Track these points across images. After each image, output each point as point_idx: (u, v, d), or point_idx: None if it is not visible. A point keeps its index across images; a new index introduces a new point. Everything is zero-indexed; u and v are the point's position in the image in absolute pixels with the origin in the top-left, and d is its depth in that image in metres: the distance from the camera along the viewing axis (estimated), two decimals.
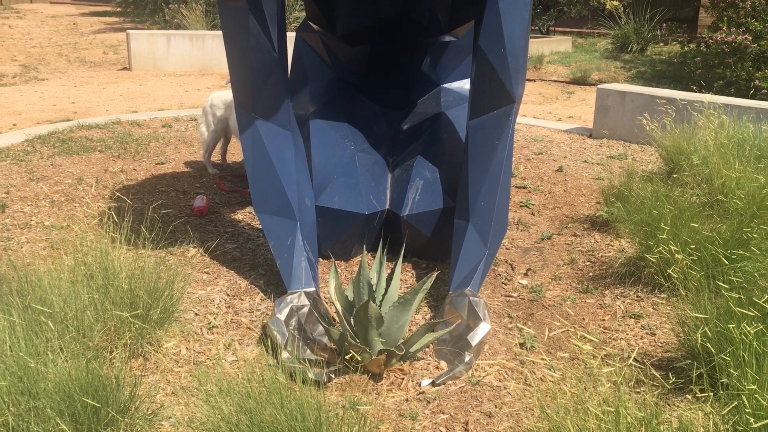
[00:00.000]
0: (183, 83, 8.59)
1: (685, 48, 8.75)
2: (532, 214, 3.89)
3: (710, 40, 7.84)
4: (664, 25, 10.51)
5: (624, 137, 5.65)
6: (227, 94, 4.40)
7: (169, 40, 9.57)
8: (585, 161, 5.00)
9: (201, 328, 2.50)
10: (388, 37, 3.66)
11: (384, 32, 3.63)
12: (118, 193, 3.96)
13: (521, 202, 4.06)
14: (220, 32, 10.02)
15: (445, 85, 3.92)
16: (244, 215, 3.76)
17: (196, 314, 2.61)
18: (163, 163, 4.69)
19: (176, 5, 12.54)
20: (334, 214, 3.07)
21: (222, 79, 9.07)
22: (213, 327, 2.53)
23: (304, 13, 11.45)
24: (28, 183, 4.11)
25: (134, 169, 4.51)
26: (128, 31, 9.54)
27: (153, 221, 3.48)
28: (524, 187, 4.34)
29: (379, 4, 3.47)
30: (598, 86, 5.85)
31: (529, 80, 9.37)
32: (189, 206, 3.83)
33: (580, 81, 9.26)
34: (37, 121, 6.04)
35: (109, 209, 3.67)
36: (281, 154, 2.98)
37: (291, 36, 8.51)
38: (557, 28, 13.56)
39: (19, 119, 6.14)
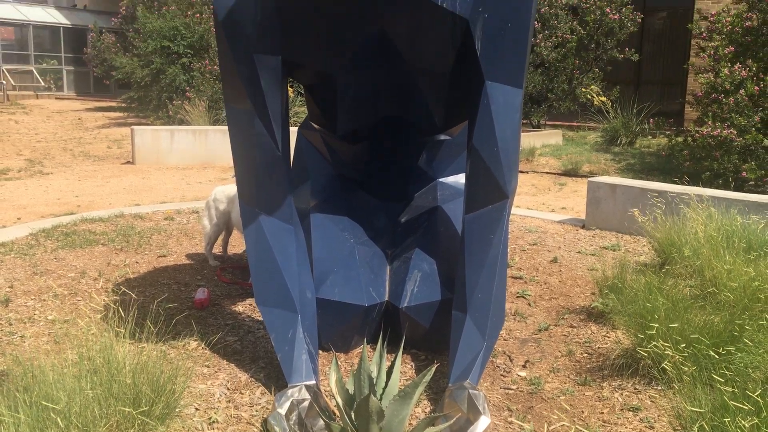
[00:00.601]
0: (185, 176, 8.79)
1: (673, 141, 9.03)
2: (529, 305, 3.94)
3: (697, 134, 8.11)
4: (651, 120, 10.86)
5: (616, 228, 5.77)
6: (230, 189, 4.53)
7: (172, 135, 9.84)
8: (579, 252, 5.10)
9: (202, 424, 2.51)
10: (386, 136, 3.82)
11: (383, 132, 3.79)
12: (121, 287, 4.01)
13: (518, 292, 4.12)
14: (222, 127, 10.33)
15: (441, 180, 4.06)
16: (245, 307, 3.81)
17: (196, 409, 2.62)
18: (165, 256, 4.77)
19: (180, 101, 12.95)
20: (334, 307, 3.12)
21: (224, 172, 9.28)
22: (213, 422, 2.54)
23: (304, 108, 11.82)
24: (32, 277, 4.17)
25: (137, 262, 4.58)
26: (133, 126, 9.83)
27: (156, 315, 3.53)
28: (520, 278, 4.41)
29: (377, 107, 3.64)
30: (589, 179, 6.02)
31: (522, 172, 9.61)
32: (190, 299, 3.88)
33: (572, 173, 9.49)
34: (41, 215, 6.16)
35: (112, 303, 3.72)
36: (283, 248, 3.07)
37: (293, 130, 8.77)
38: (548, 122, 13.98)
39: (23, 213, 6.26)
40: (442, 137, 3.91)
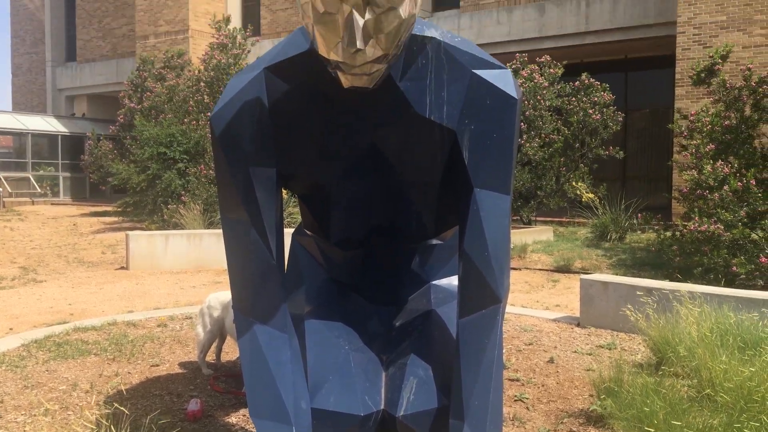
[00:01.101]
0: (179, 281, 8.79)
1: (661, 237, 9.15)
2: (527, 408, 3.89)
3: (685, 230, 8.24)
4: (639, 215, 11.04)
5: (611, 326, 5.76)
6: (224, 295, 4.54)
7: (167, 240, 9.92)
8: (575, 351, 5.08)
9: None
10: (379, 242, 3.89)
11: (375, 238, 3.86)
12: (112, 400, 3.95)
13: (515, 396, 4.08)
14: (216, 230, 10.43)
15: (434, 282, 4.09)
16: (238, 418, 3.74)
17: None
18: (157, 365, 4.72)
19: (175, 205, 13.12)
20: (329, 416, 3.08)
21: (218, 275, 9.29)
22: None
23: (297, 209, 11.98)
24: (22, 391, 4.11)
25: (129, 373, 4.53)
26: (128, 232, 9.91)
27: (148, 430, 3.47)
28: (517, 380, 4.38)
29: (370, 215, 3.72)
30: (581, 276, 6.06)
31: (515, 269, 9.66)
32: (183, 410, 3.82)
33: (564, 269, 9.55)
34: (33, 324, 6.12)
35: (104, 419, 3.66)
36: (278, 357, 3.06)
37: (287, 231, 8.85)
38: (539, 218, 14.17)
39: (16, 323, 6.22)
40: (434, 241, 3.98)
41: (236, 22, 21.40)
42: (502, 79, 3.03)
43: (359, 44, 1.94)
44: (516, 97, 3.14)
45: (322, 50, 2.14)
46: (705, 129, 8.94)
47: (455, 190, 3.48)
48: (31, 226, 15.14)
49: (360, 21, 1.90)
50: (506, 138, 3.24)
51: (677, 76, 13.32)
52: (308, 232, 4.11)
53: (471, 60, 3.01)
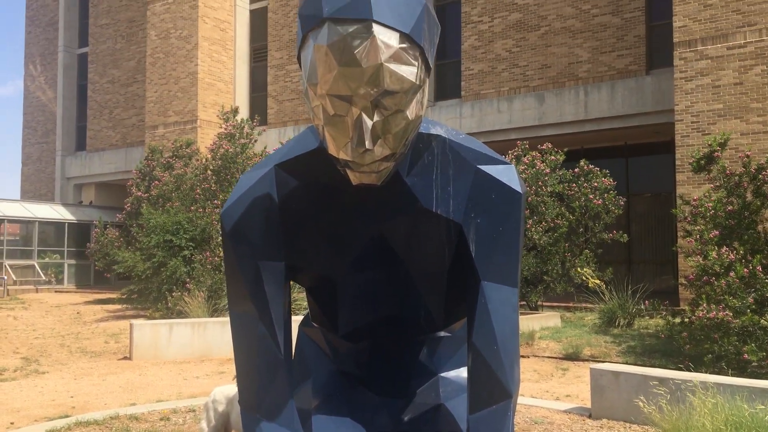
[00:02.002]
0: (182, 371, 8.67)
1: (670, 323, 9.06)
2: None
3: (693, 317, 8.16)
4: (647, 301, 10.98)
5: (623, 417, 5.64)
6: (229, 389, 4.48)
7: (171, 329, 9.85)
8: None
9: None
10: (387, 334, 3.87)
11: (383, 330, 3.85)
12: None
13: None
14: (221, 318, 10.36)
15: (443, 375, 4.03)
16: None
17: None
18: None
19: (179, 293, 13.09)
20: None
21: (221, 365, 9.18)
22: None
23: (303, 294, 11.94)
24: None
25: None
26: (131, 321, 9.86)
27: None
28: None
29: (378, 307, 3.73)
30: (591, 366, 5.97)
31: (523, 357, 9.52)
32: None
33: (573, 357, 9.41)
34: (35, 419, 6.01)
35: None
36: None
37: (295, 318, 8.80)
38: (545, 303, 14.07)
39: (17, 417, 6.11)
40: (443, 333, 3.96)
41: (244, 112, 21.97)
42: (507, 174, 3.09)
43: (368, 144, 1.98)
44: (521, 191, 3.20)
45: (332, 150, 2.20)
46: (708, 215, 9.00)
47: (462, 282, 3.49)
48: (34, 314, 15.08)
49: (368, 123, 1.95)
50: (512, 231, 3.27)
51: (677, 162, 13.52)
52: (315, 324, 4.10)
53: (475, 156, 3.08)
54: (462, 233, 3.34)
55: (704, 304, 8.01)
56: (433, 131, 3.21)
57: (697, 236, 8.92)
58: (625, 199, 13.28)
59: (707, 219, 9.07)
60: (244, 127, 15.75)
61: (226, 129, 15.65)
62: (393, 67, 1.61)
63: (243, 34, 23.40)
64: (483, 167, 3.34)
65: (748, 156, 9.40)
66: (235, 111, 16.30)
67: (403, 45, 1.62)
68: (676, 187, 13.55)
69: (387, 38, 1.58)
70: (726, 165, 9.62)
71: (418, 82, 1.65)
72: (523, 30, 17.60)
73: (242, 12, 23.42)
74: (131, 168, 22.50)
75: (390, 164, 2.43)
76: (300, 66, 1.70)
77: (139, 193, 18.35)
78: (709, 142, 9.97)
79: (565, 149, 13.34)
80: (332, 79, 1.62)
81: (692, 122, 13.44)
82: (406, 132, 2.21)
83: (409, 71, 1.65)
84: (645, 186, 18.19)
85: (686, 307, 8.71)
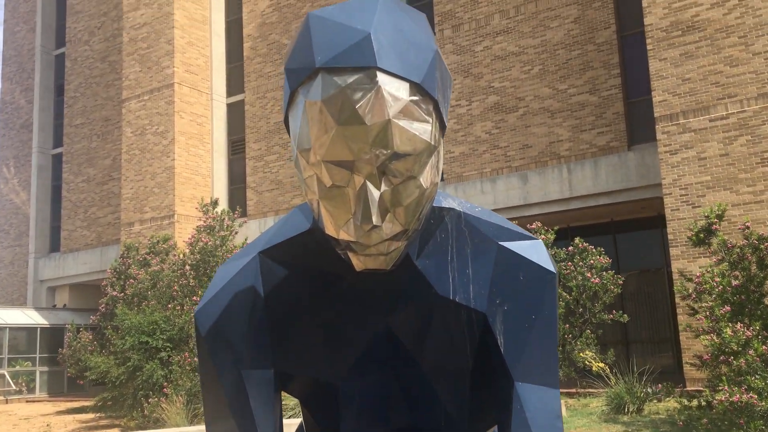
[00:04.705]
0: None
1: (685, 408, 8.45)
2: None
3: (714, 401, 7.58)
4: (659, 385, 10.37)
5: None
6: None
7: None
8: None
9: None
10: None
11: None
12: None
13: None
14: (201, 427, 9.54)
15: None
16: None
17: None
18: None
19: (156, 399, 12.23)
20: None
21: None
22: None
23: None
24: None
25: None
26: None
27: None
28: None
29: (388, 417, 3.13)
30: None
31: None
32: None
33: None
34: None
35: None
36: None
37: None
38: None
39: None
40: None
41: (223, 205, 21.57)
42: (535, 250, 2.61)
43: (375, 220, 1.52)
44: (554, 270, 2.67)
45: (330, 229, 1.71)
46: (715, 290, 8.56)
47: (491, 383, 2.95)
48: (0, 430, 14.01)
49: (375, 194, 1.48)
50: (547, 319, 2.76)
51: (670, 236, 13.21)
52: None
53: (496, 231, 2.60)
54: (487, 323, 2.78)
55: (725, 387, 7.44)
56: (446, 204, 2.66)
57: (707, 313, 8.45)
58: (623, 278, 12.84)
59: (714, 295, 8.62)
60: (224, 219, 15.28)
61: (205, 222, 15.17)
62: (403, 124, 1.32)
63: (220, 127, 23.31)
64: (506, 244, 2.77)
65: (748, 227, 9.08)
66: (215, 203, 15.88)
67: (415, 97, 1.34)
68: (671, 262, 13.17)
69: (395, 89, 1.30)
70: (725, 238, 9.28)
71: (432, 142, 1.37)
72: (502, 112, 17.62)
73: (219, 106, 23.41)
74: (106, 268, 21.79)
75: (401, 244, 1.91)
76: (288, 132, 1.42)
77: (114, 293, 17.61)
78: (706, 214, 9.66)
79: (556, 227, 12.99)
80: (329, 141, 1.33)
81: (681, 195, 13.22)
82: (419, 204, 1.73)
83: (422, 129, 1.36)
84: (635, 263, 17.85)
85: (705, 391, 8.12)
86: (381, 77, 1.26)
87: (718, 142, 12.91)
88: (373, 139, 1.28)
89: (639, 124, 15.91)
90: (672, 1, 13.68)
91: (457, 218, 2.69)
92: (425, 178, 1.73)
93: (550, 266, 2.74)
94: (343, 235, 1.74)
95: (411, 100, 1.30)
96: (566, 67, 16.80)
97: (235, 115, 23.33)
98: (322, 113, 1.29)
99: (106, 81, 26.71)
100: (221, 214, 15.43)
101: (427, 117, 1.35)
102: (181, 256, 15.81)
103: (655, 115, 13.61)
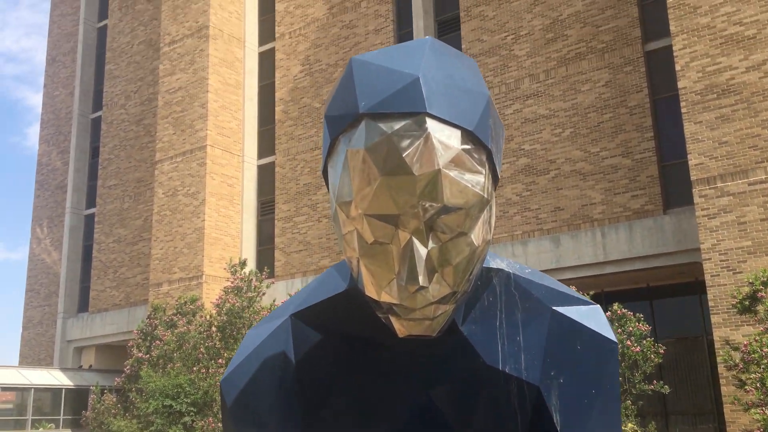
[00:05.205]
0: None
1: None
2: None
3: None
4: None
5: None
6: None
7: None
8: None
9: None
10: None
11: None
12: None
13: None
14: None
15: None
16: None
17: None
18: None
19: None
20: None
21: None
22: None
23: None
24: None
25: None
26: None
27: None
28: None
29: None
30: None
31: None
32: None
33: None
34: None
35: None
36: None
37: None
38: None
39: None
40: None
41: (251, 265, 21.52)
42: (593, 317, 2.38)
43: (421, 281, 1.34)
44: (615, 340, 2.41)
45: (371, 290, 1.52)
46: (764, 361, 8.12)
47: None
48: None
49: (422, 251, 1.32)
50: (608, 395, 2.51)
51: (710, 303, 12.74)
52: None
53: (549, 294, 2.38)
54: (540, 397, 2.54)
55: None
56: (493, 264, 2.44)
57: (757, 385, 7.99)
58: (664, 347, 12.34)
59: (764, 366, 8.18)
60: (251, 279, 15.16)
61: (233, 282, 15.05)
62: (454, 174, 1.24)
63: (250, 189, 23.49)
64: (561, 309, 2.52)
65: None
66: (243, 263, 15.80)
67: (467, 146, 1.26)
68: (712, 330, 12.66)
69: (446, 137, 1.22)
70: None
71: (485, 195, 1.27)
72: (533, 174, 17.48)
73: (250, 167, 23.65)
74: (133, 328, 21.71)
75: (449, 308, 1.70)
76: (327, 185, 1.31)
77: (140, 355, 17.43)
78: (750, 281, 9.28)
79: (591, 292, 12.61)
80: (372, 193, 1.23)
81: (721, 260, 12.81)
82: (470, 263, 1.53)
83: (475, 180, 1.27)
84: (673, 330, 17.26)
85: None
86: (431, 123, 1.18)
87: (759, 206, 12.56)
88: (421, 191, 1.19)
89: (674, 188, 15.63)
90: (706, 65, 13.59)
91: (506, 280, 2.46)
92: (477, 235, 1.55)
93: (611, 335, 2.48)
94: (385, 297, 1.57)
95: (463, 149, 1.21)
96: (598, 130, 16.69)
97: (266, 176, 23.53)
98: (365, 162, 1.20)
99: (140, 143, 27.24)
100: (249, 274, 15.32)
101: (479, 168, 1.25)
102: (208, 317, 15.66)
103: (692, 178, 13.34)
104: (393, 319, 1.72)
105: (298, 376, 2.59)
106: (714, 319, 12.60)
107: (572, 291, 2.56)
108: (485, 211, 1.35)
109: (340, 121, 1.35)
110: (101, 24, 30.65)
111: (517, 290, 2.64)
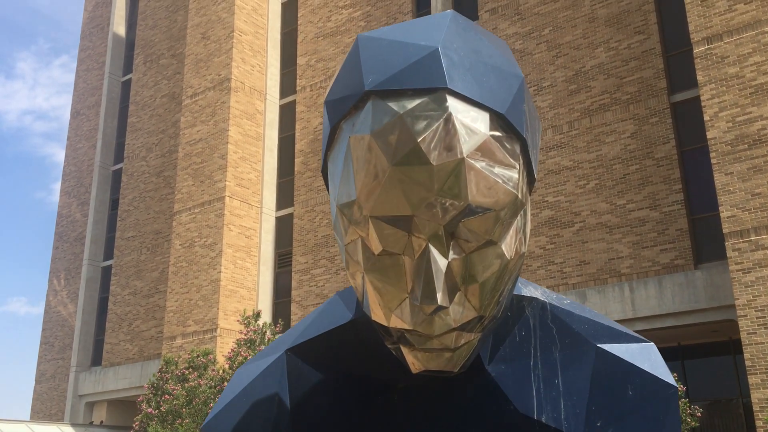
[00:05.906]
0: None
1: None
2: None
3: None
4: None
5: None
6: None
7: None
8: None
9: None
10: None
11: None
12: None
13: None
14: None
15: None
16: None
17: None
18: None
19: None
20: None
21: None
22: None
23: None
24: None
25: None
26: None
27: None
28: None
29: None
30: None
31: None
32: None
33: None
34: None
35: None
36: None
37: None
38: None
39: None
40: None
41: (266, 317, 21.12)
42: (647, 356, 1.94)
43: (440, 299, 0.90)
44: (674, 384, 1.93)
45: (378, 314, 1.08)
46: None
47: None
48: None
49: (441, 263, 0.87)
50: None
51: (747, 363, 12.07)
52: None
53: (593, 329, 1.95)
54: None
55: None
56: (526, 292, 1.95)
57: None
58: (701, 409, 11.63)
59: None
60: (265, 332, 14.71)
61: (246, 335, 14.61)
62: (481, 166, 0.93)
63: (268, 240, 23.26)
64: (607, 347, 2.01)
65: None
66: (257, 315, 15.39)
67: (497, 133, 0.95)
68: (750, 392, 11.93)
69: (471, 120, 0.92)
70: None
71: (520, 196, 0.97)
72: (557, 227, 17.05)
73: (268, 219, 23.47)
74: (146, 383, 21.23)
75: (474, 337, 1.22)
76: (325, 184, 1.06)
77: (149, 410, 16.90)
78: None
79: None
80: (380, 189, 0.93)
81: (757, 317, 12.19)
82: (500, 281, 1.06)
83: (507, 176, 0.96)
84: (707, 391, 16.44)
85: None
86: (452, 103, 0.92)
87: None
88: (440, 186, 0.92)
89: (705, 241, 15.09)
90: (735, 115, 13.23)
91: (542, 311, 2.01)
92: (508, 246, 1.10)
93: (669, 378, 1.98)
94: (396, 322, 1.13)
95: (492, 136, 0.94)
96: (624, 181, 16.29)
97: (284, 228, 23.32)
98: (371, 151, 0.94)
99: (159, 195, 27.27)
100: (262, 327, 14.89)
101: (512, 161, 0.97)
102: (221, 372, 15.17)
103: (724, 231, 12.84)
104: (405, 351, 1.27)
105: (293, 423, 2.10)
106: (752, 380, 11.91)
107: (620, 326, 2.03)
108: (519, 217, 1.04)
109: (342, 104, 1.01)
110: (125, 78, 31.18)
111: (554, 323, 2.10)
